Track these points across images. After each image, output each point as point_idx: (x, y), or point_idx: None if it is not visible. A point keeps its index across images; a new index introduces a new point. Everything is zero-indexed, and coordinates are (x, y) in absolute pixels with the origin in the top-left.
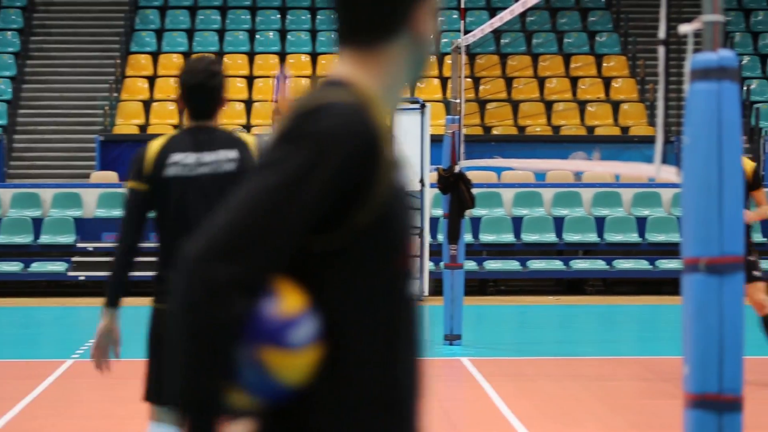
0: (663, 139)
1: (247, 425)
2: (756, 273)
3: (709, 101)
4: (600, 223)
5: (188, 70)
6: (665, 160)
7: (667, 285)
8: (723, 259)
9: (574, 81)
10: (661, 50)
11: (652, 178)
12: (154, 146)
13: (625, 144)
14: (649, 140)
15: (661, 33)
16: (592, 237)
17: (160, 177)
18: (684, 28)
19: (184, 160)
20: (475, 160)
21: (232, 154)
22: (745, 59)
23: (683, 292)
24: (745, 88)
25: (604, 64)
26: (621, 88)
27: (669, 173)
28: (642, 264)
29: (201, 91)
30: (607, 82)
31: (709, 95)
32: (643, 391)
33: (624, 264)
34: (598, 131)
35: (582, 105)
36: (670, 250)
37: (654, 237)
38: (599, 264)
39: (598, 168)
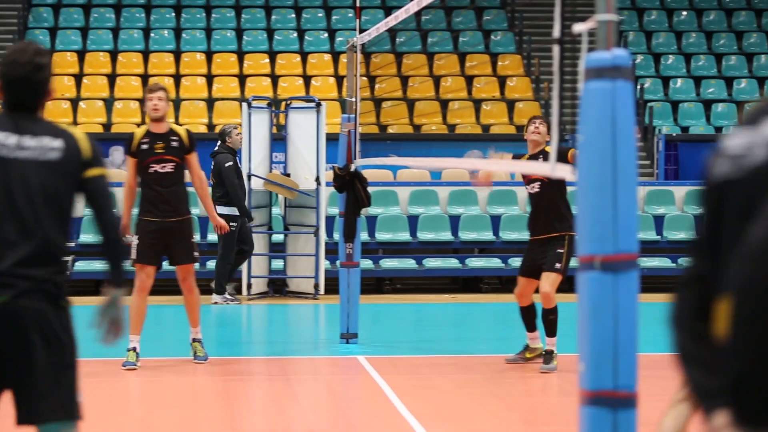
0: (558, 137)
1: None
2: (557, 265)
3: (603, 100)
4: (495, 221)
5: (11, 61)
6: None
7: (562, 282)
8: (617, 257)
9: (469, 80)
10: (556, 49)
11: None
12: None
13: (520, 143)
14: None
15: (556, 32)
16: (487, 235)
17: None
18: (578, 28)
19: (4, 141)
20: (371, 159)
21: (57, 143)
22: (639, 58)
23: (578, 290)
24: (638, 86)
25: (499, 63)
26: (516, 87)
27: (564, 172)
28: None
29: (25, 85)
30: (502, 80)
31: (604, 94)
32: (538, 388)
33: (519, 262)
34: (494, 130)
35: (477, 103)
36: None
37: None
38: (495, 262)
39: (493, 166)
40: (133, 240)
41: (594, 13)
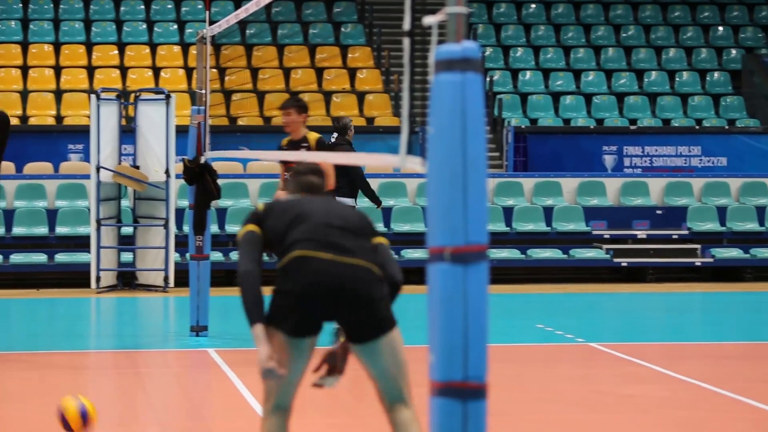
0: (408, 129)
1: None
2: None
3: (453, 92)
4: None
5: None
6: (410, 151)
7: (413, 274)
8: (467, 248)
9: (319, 72)
10: (406, 41)
11: (397, 168)
12: None
13: (370, 135)
14: (395, 131)
15: (406, 24)
16: None
17: None
18: (428, 20)
19: None
20: (221, 151)
21: None
22: (488, 51)
23: (428, 282)
24: (488, 79)
25: (350, 55)
26: (366, 79)
27: (414, 163)
28: None
29: None
30: (352, 72)
31: (453, 86)
32: None
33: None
34: None
35: (327, 96)
36: (415, 239)
37: (399, 227)
38: None
39: (343, 159)
40: None
41: (444, 6)
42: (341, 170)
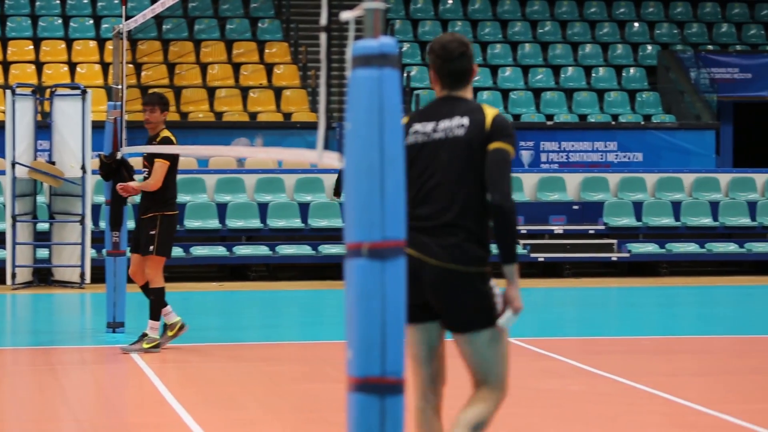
0: (325, 125)
1: None
2: (150, 248)
3: (370, 87)
4: (263, 209)
5: None
6: (327, 146)
7: (330, 270)
8: (385, 243)
9: (236, 67)
10: (323, 37)
11: (314, 163)
12: None
13: (287, 130)
14: (312, 126)
15: (323, 20)
16: (255, 223)
17: None
18: (345, 15)
19: None
20: (137, 147)
21: None
22: (405, 46)
23: (346, 277)
24: (405, 74)
25: (267, 51)
26: (283, 75)
27: (331, 159)
28: (305, 249)
29: None
30: (269, 68)
31: (371, 81)
32: (306, 376)
33: (287, 249)
34: (261, 117)
35: (245, 91)
36: (333, 235)
37: (317, 222)
38: (262, 250)
39: (260, 154)
40: None
41: (361, 1)
42: None
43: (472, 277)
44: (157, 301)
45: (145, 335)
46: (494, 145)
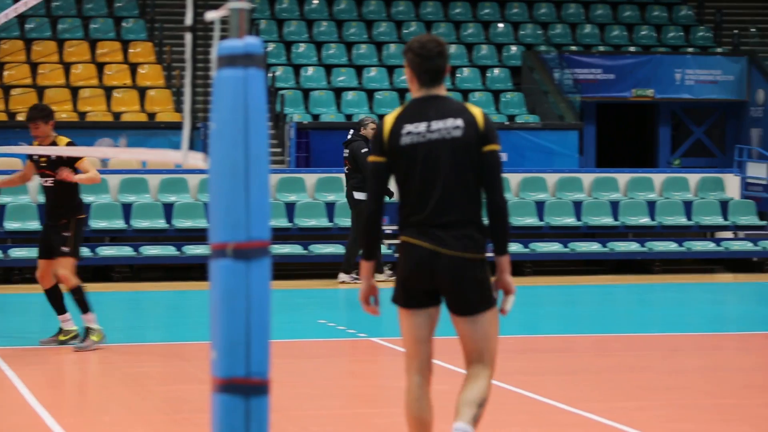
0: (190, 125)
1: None
2: (64, 249)
3: (235, 87)
4: (127, 209)
5: None
6: (192, 146)
7: (195, 270)
8: (250, 244)
9: (100, 67)
10: (188, 37)
11: (179, 164)
12: None
13: (151, 130)
14: (176, 126)
15: (188, 19)
16: (119, 223)
17: None
18: (210, 15)
19: None
20: (0, 147)
21: None
22: (270, 46)
23: (211, 278)
24: (270, 74)
25: (131, 51)
26: (147, 75)
27: (196, 159)
28: (169, 250)
29: None
30: (133, 68)
31: (236, 81)
32: (171, 377)
33: (151, 250)
34: (125, 117)
35: (108, 91)
36: (198, 236)
37: (181, 223)
38: (126, 251)
39: (124, 155)
40: None
41: (226, 1)
42: (355, 166)
43: (478, 263)
44: (80, 296)
45: (88, 330)
46: (490, 148)
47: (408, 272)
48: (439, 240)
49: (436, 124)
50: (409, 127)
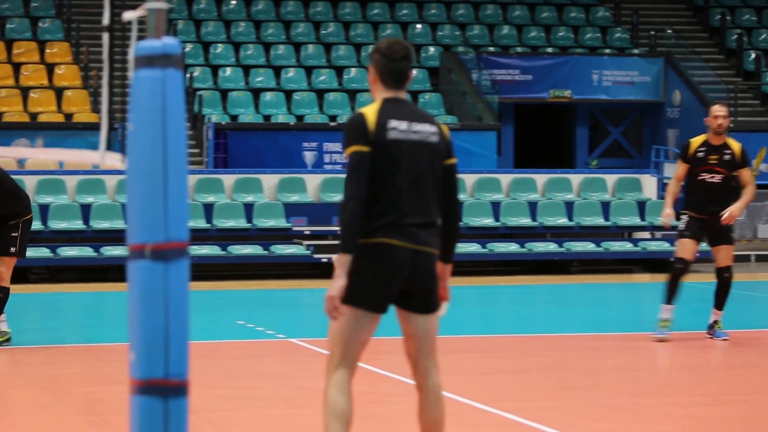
0: (107, 125)
1: None
2: (12, 249)
3: (153, 88)
4: (44, 210)
5: None
6: (110, 147)
7: (113, 272)
8: (168, 245)
9: (16, 67)
10: (105, 37)
11: (96, 164)
12: None
13: (68, 131)
14: (94, 127)
15: (105, 20)
16: (36, 225)
17: None
18: (128, 15)
19: None
20: None
21: None
22: (188, 47)
23: (129, 279)
24: (188, 75)
25: (47, 51)
26: (64, 75)
27: (114, 160)
28: (87, 251)
29: None
30: (50, 68)
31: (154, 82)
32: (89, 379)
33: (68, 251)
34: (42, 118)
35: (25, 91)
36: (116, 237)
37: (98, 224)
38: (43, 252)
39: (41, 155)
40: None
41: (144, 1)
42: None
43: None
44: (4, 299)
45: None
46: (452, 161)
47: (386, 275)
48: (419, 239)
49: (417, 126)
50: (393, 123)
